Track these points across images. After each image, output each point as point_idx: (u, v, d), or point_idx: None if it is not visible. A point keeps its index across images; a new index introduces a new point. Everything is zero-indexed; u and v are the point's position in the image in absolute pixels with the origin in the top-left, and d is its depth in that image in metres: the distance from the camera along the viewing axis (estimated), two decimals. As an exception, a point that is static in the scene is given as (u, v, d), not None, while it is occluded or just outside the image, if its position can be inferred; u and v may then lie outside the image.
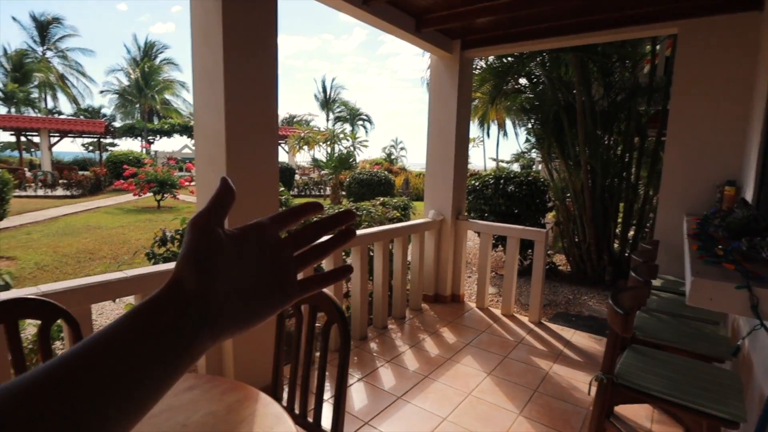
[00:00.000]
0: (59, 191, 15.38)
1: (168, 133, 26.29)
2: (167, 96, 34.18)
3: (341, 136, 17.58)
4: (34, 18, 32.65)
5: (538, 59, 5.66)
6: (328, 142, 16.81)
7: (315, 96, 44.36)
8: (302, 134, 16.36)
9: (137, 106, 33.04)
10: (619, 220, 5.39)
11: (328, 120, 44.01)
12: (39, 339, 1.27)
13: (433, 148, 4.16)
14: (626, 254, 5.20)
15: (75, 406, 0.25)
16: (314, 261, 0.40)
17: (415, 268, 3.89)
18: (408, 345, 3.18)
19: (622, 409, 2.39)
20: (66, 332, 1.42)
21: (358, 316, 3.19)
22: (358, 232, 3.24)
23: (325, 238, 0.41)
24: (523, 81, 6.32)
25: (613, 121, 5.25)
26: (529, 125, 6.22)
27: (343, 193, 12.36)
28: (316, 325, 1.51)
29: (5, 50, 31.03)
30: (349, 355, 1.35)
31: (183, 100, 35.23)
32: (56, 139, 20.01)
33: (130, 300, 2.08)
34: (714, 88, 3.09)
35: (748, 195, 2.53)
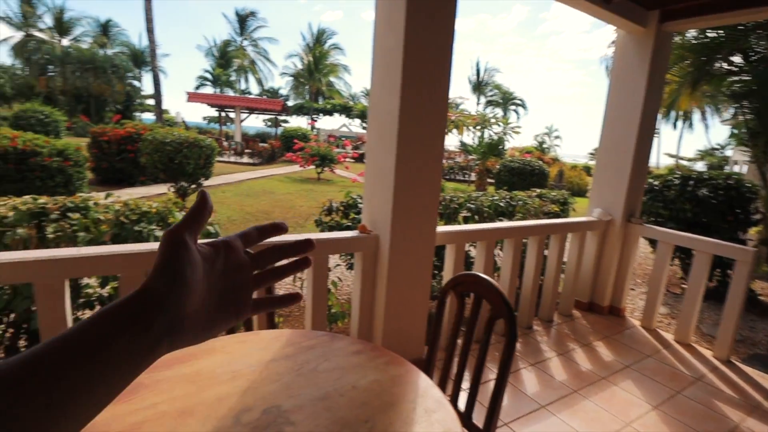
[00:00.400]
0: (245, 159, 18.42)
1: (329, 113, 29.01)
2: (332, 78, 37.69)
3: (492, 120, 16.94)
4: (237, 13, 39.15)
5: (760, 31, 4.46)
6: (478, 127, 16.38)
7: (468, 79, 43.61)
8: (452, 117, 16.23)
9: (307, 87, 37.21)
10: None
11: (478, 103, 42.93)
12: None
13: (607, 138, 3.65)
14: None
15: (42, 400, 0.27)
16: (270, 282, 0.43)
17: (570, 270, 3.53)
18: (555, 352, 2.92)
19: None
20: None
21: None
22: (512, 223, 3.07)
23: (283, 262, 0.44)
24: (736, 59, 5.08)
25: None
26: (739, 116, 4.99)
27: (491, 180, 11.95)
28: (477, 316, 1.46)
29: (215, 42, 38.13)
30: (513, 353, 1.27)
31: (344, 83, 38.51)
32: (245, 115, 23.86)
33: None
34: None
35: None
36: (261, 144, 21.39)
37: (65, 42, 28.98)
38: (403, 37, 2.09)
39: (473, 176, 14.56)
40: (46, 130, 11.39)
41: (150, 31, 19.92)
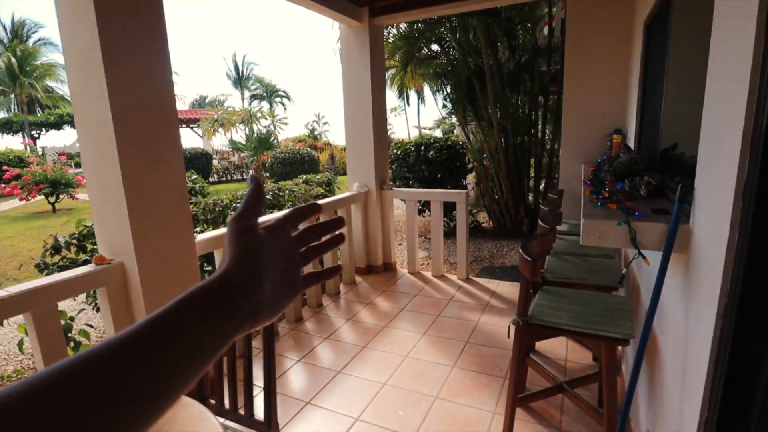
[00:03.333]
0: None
1: (56, 125, 23.23)
2: (49, 82, 29.89)
3: (258, 115, 16.74)
4: None
5: (447, 25, 5.76)
6: (246, 123, 15.94)
7: (227, 74, 41.53)
8: (215, 116, 15.30)
9: (12, 96, 28.58)
10: (532, 174, 5.80)
11: (243, 99, 41.57)
12: None
13: (350, 120, 4.11)
14: (540, 205, 5.65)
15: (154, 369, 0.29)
16: (314, 258, 0.47)
17: (345, 242, 3.88)
18: (344, 319, 3.21)
19: (542, 345, 2.63)
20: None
21: (291, 298, 3.14)
22: (280, 213, 3.15)
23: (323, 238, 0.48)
24: (435, 47, 6.41)
25: (519, 82, 5.54)
26: (445, 91, 6.34)
27: (267, 174, 11.90)
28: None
29: None
30: (274, 338, 1.32)
31: (70, 87, 31.05)
32: None
33: (19, 320, 1.82)
34: (600, 46, 3.36)
35: (631, 141, 2.82)
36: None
37: None
38: (97, 29, 1.80)
39: (251, 173, 14.20)
40: None
41: None
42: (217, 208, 3.14)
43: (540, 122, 5.68)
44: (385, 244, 4.23)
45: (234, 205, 3.33)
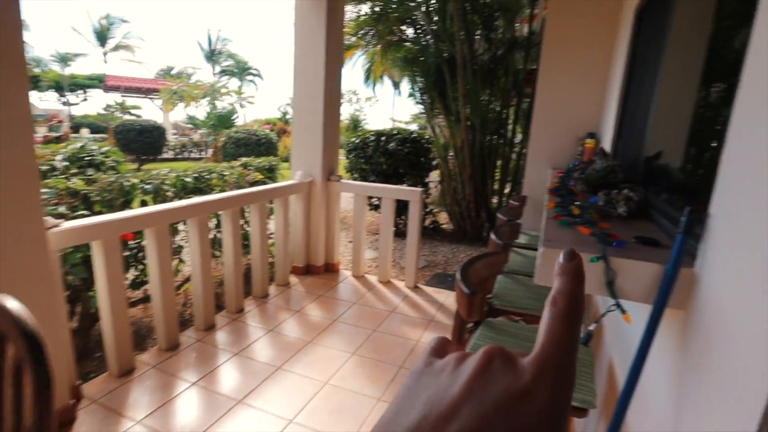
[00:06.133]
0: None
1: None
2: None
3: (224, 91, 15.78)
4: None
5: (423, 9, 5.30)
6: (208, 98, 14.97)
7: (199, 46, 39.47)
8: (174, 87, 14.25)
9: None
10: (497, 176, 5.46)
11: (215, 74, 39.66)
12: None
13: (299, 101, 3.59)
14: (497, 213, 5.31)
15: None
16: None
17: (279, 237, 3.38)
18: (265, 329, 2.72)
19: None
20: None
21: (201, 303, 2.62)
22: (193, 200, 2.61)
23: None
24: (409, 31, 5.94)
25: (493, 77, 5.16)
26: (415, 80, 5.89)
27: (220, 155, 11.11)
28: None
29: None
30: (50, 412, 0.83)
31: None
32: None
33: None
34: (578, 47, 3.03)
35: (607, 145, 2.46)
36: None
37: None
38: None
39: (210, 153, 13.36)
40: None
41: None
42: (114, 188, 2.56)
43: (511, 122, 5.33)
44: (329, 242, 3.76)
45: (143, 185, 2.76)
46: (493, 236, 1.72)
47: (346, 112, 18.22)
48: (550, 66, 3.18)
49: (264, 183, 3.70)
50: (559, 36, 3.11)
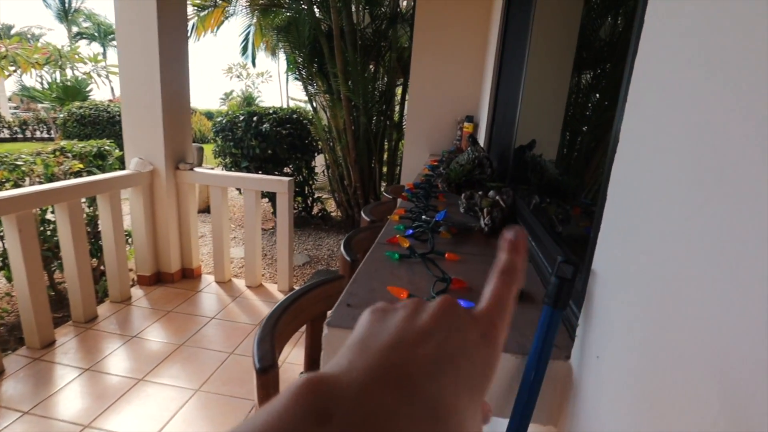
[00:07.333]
0: None
1: None
2: None
3: (76, 57, 13.21)
4: None
5: None
6: (55, 65, 12.41)
7: (46, 1, 32.67)
8: (3, 49, 11.45)
9: None
10: (386, 160, 5.21)
11: (73, 38, 33.46)
12: None
13: (126, 69, 2.85)
14: (362, 213, 5.10)
15: None
16: None
17: (109, 242, 2.68)
18: (79, 370, 2.08)
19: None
20: None
21: (-30, 345, 1.89)
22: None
23: None
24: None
25: (377, 53, 4.82)
26: (289, 50, 5.28)
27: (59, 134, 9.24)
28: None
29: None
30: None
31: None
32: None
33: None
34: (454, 26, 2.80)
35: (483, 131, 2.26)
36: None
37: None
38: None
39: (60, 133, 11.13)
40: None
41: None
42: None
43: (397, 103, 5.08)
44: (184, 243, 3.13)
45: None
46: (342, 251, 1.36)
47: (237, 87, 16.64)
48: (423, 45, 2.93)
49: (92, 174, 2.91)
50: (432, 15, 2.85)
